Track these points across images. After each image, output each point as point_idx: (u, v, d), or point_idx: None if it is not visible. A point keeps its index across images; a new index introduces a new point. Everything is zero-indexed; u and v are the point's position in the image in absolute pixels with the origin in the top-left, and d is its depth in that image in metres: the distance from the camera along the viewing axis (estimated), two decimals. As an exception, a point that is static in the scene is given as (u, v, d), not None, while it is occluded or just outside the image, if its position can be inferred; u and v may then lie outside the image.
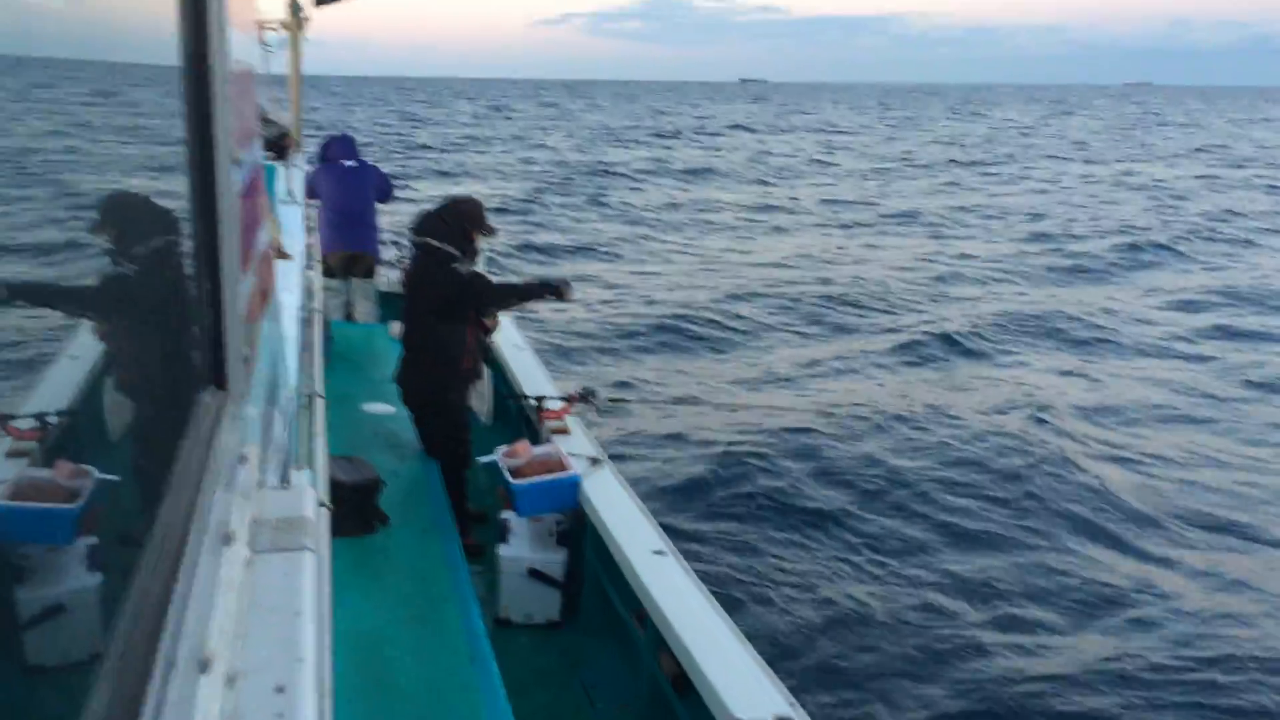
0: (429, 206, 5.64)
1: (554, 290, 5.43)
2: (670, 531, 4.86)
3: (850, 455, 8.27)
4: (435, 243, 5.35)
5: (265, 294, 2.40)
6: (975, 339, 11.87)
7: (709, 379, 10.73)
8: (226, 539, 1.38)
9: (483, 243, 5.52)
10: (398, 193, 9.90)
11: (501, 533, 5.04)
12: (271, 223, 4.18)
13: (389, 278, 8.82)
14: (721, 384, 10.55)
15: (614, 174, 25.99)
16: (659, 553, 4.19)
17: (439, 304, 5.31)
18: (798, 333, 12.54)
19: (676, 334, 12.39)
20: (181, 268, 1.54)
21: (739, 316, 13.23)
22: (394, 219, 17.96)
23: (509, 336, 7.29)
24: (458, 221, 5.40)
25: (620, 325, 12.80)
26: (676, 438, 8.94)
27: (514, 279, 5.58)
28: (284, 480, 2.33)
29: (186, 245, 1.53)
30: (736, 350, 11.76)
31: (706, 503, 7.67)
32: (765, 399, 9.95)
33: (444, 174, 24.82)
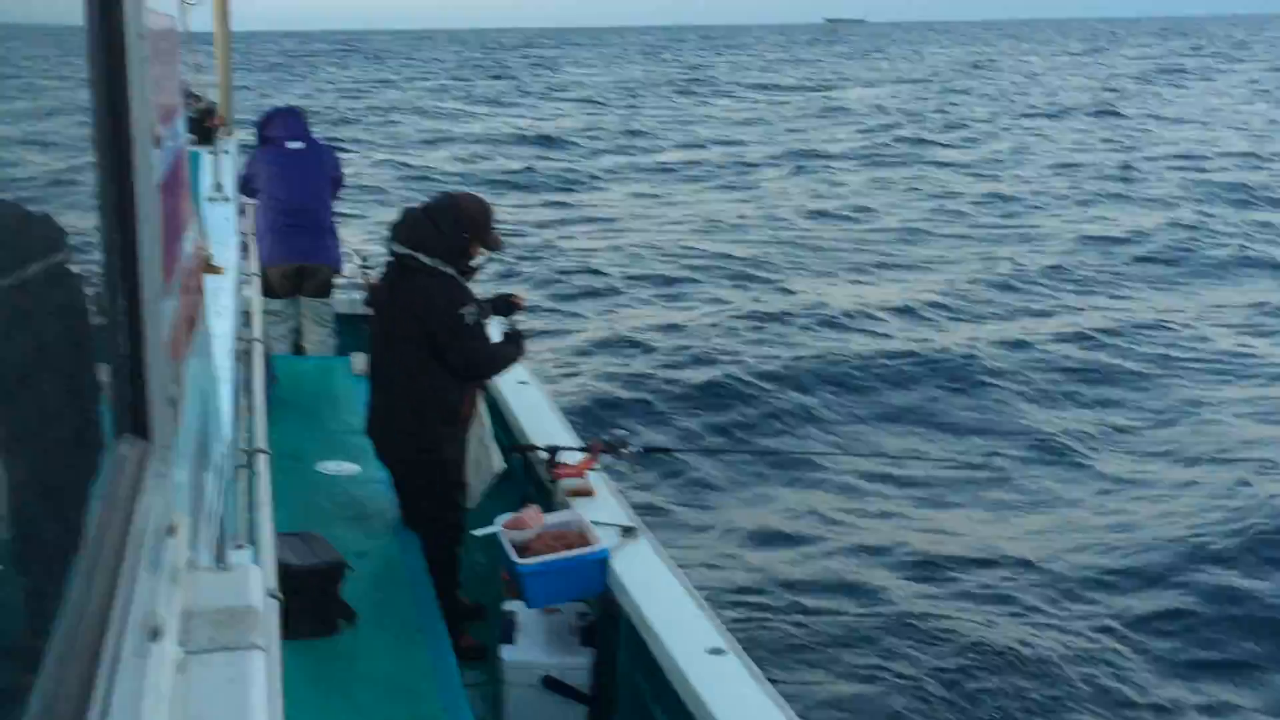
0: (414, 204, 5.67)
1: (520, 344, 5.73)
2: (733, 623, 4.83)
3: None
4: (422, 258, 5.37)
5: (193, 319, 2.43)
6: None
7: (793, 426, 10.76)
8: (153, 634, 1.39)
9: (483, 257, 5.56)
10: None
11: (506, 630, 5.05)
12: (198, 227, 4.24)
13: (350, 297, 8.90)
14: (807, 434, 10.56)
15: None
16: (717, 651, 4.19)
17: (422, 338, 5.36)
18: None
19: (736, 363, 12.41)
20: (85, 283, 1.56)
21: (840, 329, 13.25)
22: (363, 220, 18.27)
23: None
24: (454, 227, 5.39)
25: (662, 349, 12.86)
26: (740, 498, 8.99)
27: (491, 328, 5.65)
28: (220, 560, 2.34)
29: (93, 253, 1.55)
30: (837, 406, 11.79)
31: (780, 582, 7.70)
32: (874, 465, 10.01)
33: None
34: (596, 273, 16.29)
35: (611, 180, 22.45)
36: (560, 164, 23.60)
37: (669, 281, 15.67)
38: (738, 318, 14.08)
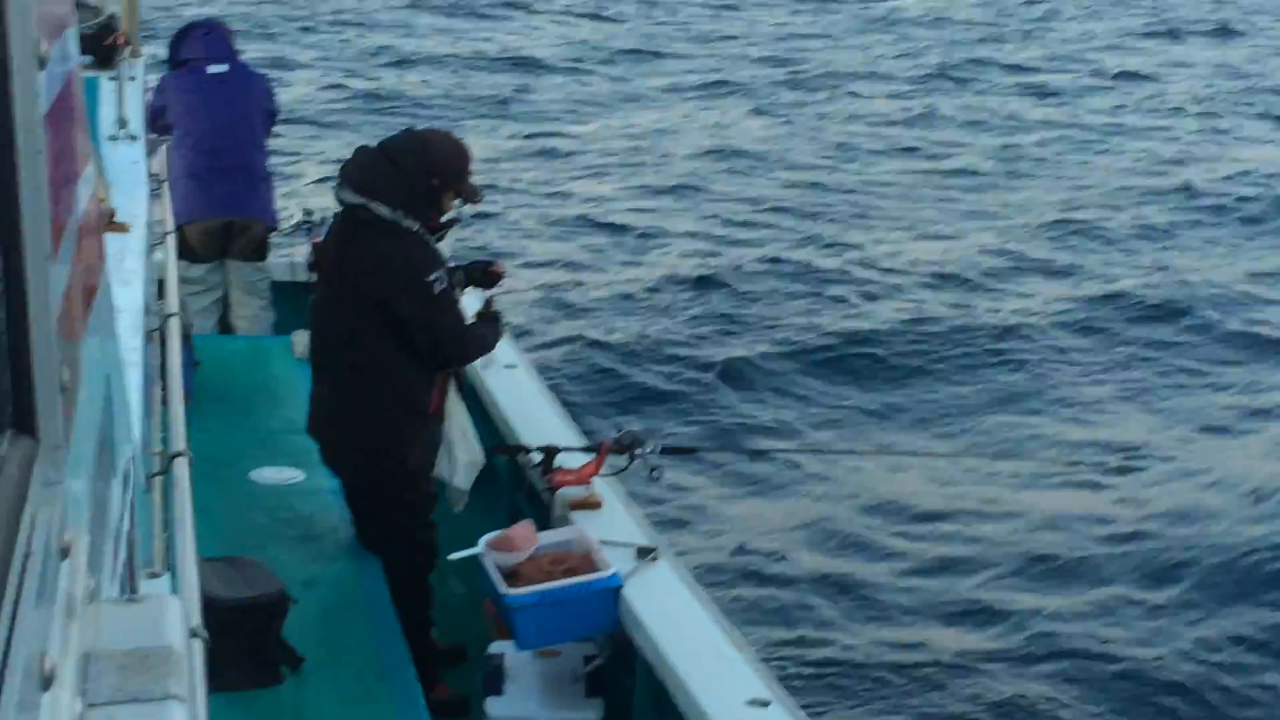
0: (369, 143, 5.67)
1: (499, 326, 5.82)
2: (778, 666, 4.84)
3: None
4: (379, 208, 5.31)
5: (90, 290, 2.43)
6: None
7: (860, 412, 10.83)
8: (44, 682, 1.38)
9: (456, 210, 5.56)
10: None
11: (492, 678, 5.07)
12: (96, 173, 4.24)
13: (289, 260, 8.92)
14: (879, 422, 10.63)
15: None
16: (760, 703, 4.20)
17: (376, 309, 5.36)
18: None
19: (773, 339, 12.44)
20: None
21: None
22: (304, 163, 18.33)
23: None
24: (419, 170, 5.36)
25: (683, 320, 12.86)
26: (785, 510, 9.01)
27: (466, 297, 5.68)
28: (129, 589, 2.35)
29: None
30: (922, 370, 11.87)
31: (837, 613, 7.74)
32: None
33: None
34: (600, 225, 16.29)
35: (618, 108, 22.45)
36: (556, 88, 23.59)
37: (689, 235, 15.68)
38: (774, 278, 14.09)
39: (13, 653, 1.26)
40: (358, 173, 5.43)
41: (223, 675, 4.57)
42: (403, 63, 25.03)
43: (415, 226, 5.36)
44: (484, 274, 5.91)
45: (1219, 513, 9.18)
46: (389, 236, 5.33)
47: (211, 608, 4.56)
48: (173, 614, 1.72)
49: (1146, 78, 24.16)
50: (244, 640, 4.71)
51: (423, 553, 5.56)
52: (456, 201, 5.51)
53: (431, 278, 5.31)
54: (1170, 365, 11.97)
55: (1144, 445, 10.27)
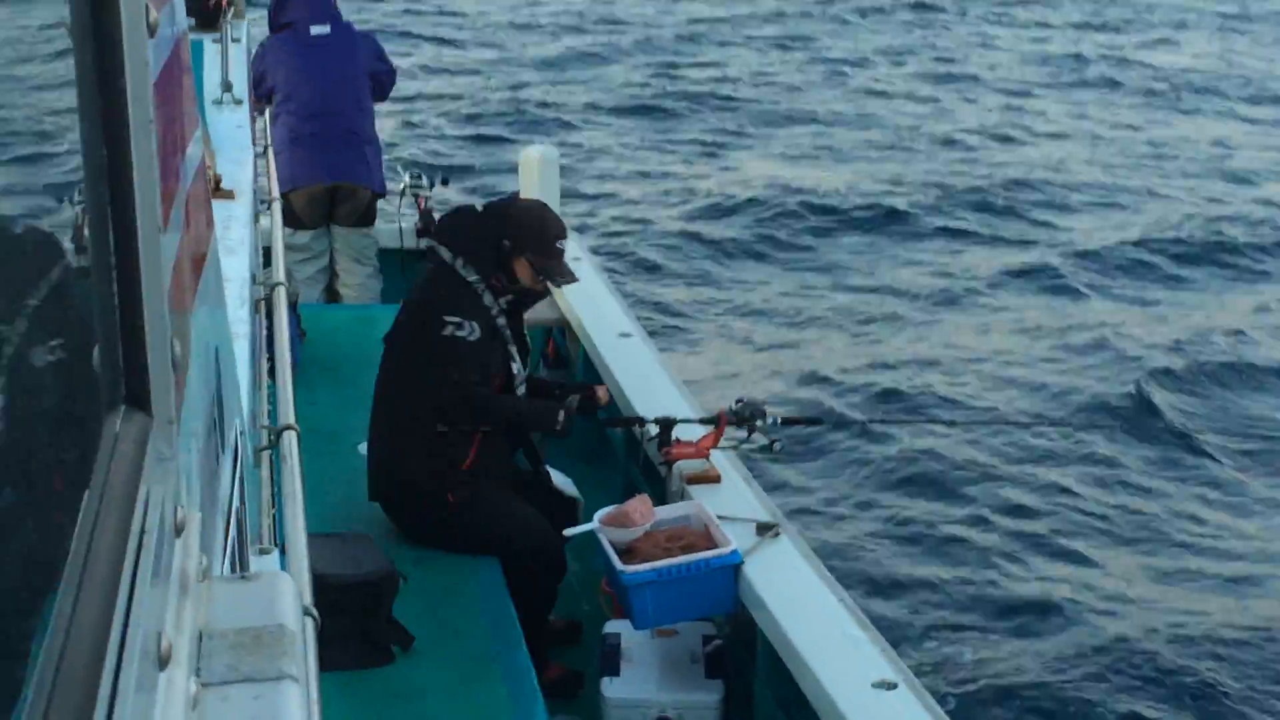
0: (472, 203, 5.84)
1: (554, 417, 5.54)
2: (905, 648, 4.81)
3: None
4: (442, 250, 5.54)
5: (199, 259, 2.46)
6: None
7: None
8: (160, 662, 1.40)
9: (529, 277, 5.56)
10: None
11: (608, 658, 5.10)
12: (204, 140, 4.30)
13: (398, 227, 8.97)
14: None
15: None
16: (887, 686, 4.19)
17: (409, 347, 5.55)
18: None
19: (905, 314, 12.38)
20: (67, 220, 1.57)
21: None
22: (418, 132, 18.40)
23: (602, 307, 7.34)
24: (495, 225, 5.55)
25: (811, 294, 12.82)
26: (915, 485, 8.97)
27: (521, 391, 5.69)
28: (239, 567, 2.38)
29: (65, 175, 1.55)
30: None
31: (969, 594, 7.70)
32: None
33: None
34: (730, 193, 16.24)
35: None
36: (709, 73, 23.21)
37: (815, 232, 15.61)
38: (905, 241, 14.01)
39: (130, 631, 1.27)
40: (447, 221, 5.77)
41: (332, 656, 4.65)
42: (534, 25, 24.99)
43: (472, 277, 5.46)
44: (584, 400, 5.76)
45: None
46: (440, 278, 5.55)
47: (321, 586, 4.64)
48: (286, 592, 1.73)
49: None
50: (354, 620, 4.77)
51: (535, 557, 5.52)
52: (539, 276, 5.56)
53: (451, 319, 5.35)
54: None
55: None
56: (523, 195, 8.73)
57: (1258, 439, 9.85)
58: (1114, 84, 21.04)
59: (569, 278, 5.65)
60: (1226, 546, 8.41)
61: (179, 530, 1.65)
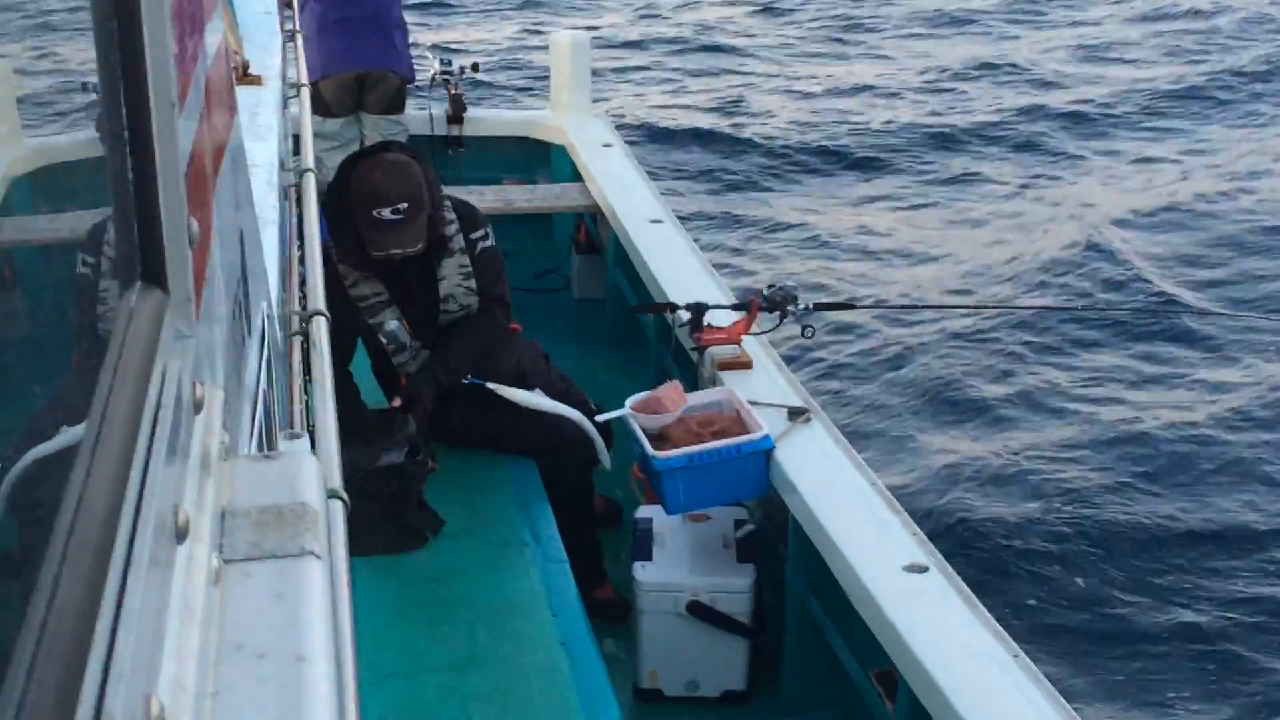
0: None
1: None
2: (937, 533, 4.81)
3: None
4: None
5: (220, 143, 2.45)
6: None
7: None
8: (178, 535, 1.41)
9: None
10: None
11: (641, 543, 5.11)
12: (226, 20, 4.26)
13: (428, 113, 8.93)
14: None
15: None
16: (917, 569, 4.19)
17: None
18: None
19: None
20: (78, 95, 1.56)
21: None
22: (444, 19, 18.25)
23: (633, 193, 7.30)
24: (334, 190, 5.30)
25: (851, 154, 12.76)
26: (951, 370, 8.96)
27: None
28: (266, 448, 2.38)
29: (77, 53, 1.54)
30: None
31: (1002, 479, 7.71)
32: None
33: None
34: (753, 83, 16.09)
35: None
36: None
37: (853, 132, 15.41)
38: (931, 142, 13.89)
39: (145, 504, 1.27)
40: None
41: (364, 541, 4.70)
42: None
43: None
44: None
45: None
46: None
47: (350, 471, 4.67)
48: (309, 471, 1.74)
49: None
50: (383, 504, 4.81)
51: (565, 448, 5.46)
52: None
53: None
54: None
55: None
56: (553, 80, 8.71)
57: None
58: None
59: (380, 249, 5.19)
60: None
61: (198, 407, 1.65)
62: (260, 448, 2.31)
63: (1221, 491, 7.66)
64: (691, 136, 13.96)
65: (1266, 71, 15.93)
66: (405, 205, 5.09)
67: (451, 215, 5.38)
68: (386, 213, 5.09)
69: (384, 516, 4.82)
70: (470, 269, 5.39)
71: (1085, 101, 14.79)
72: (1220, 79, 15.68)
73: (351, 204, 5.16)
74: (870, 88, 15.50)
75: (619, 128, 8.90)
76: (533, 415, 5.39)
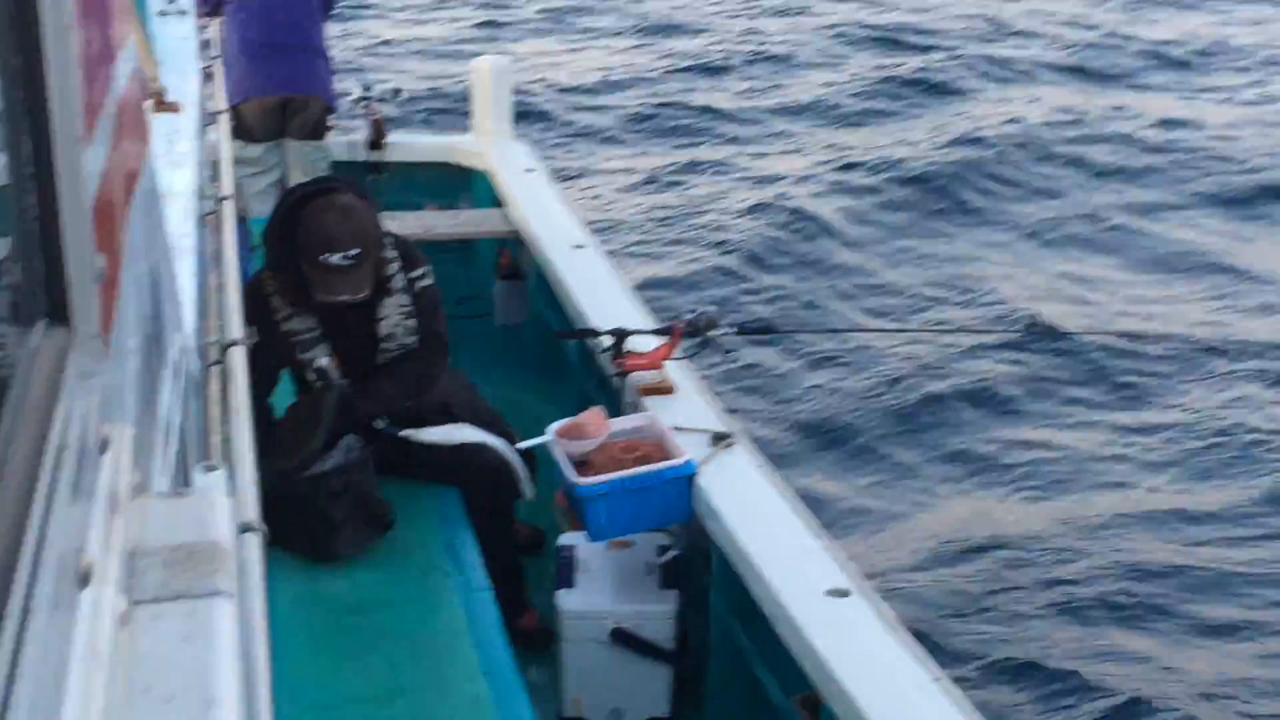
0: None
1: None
2: (860, 556, 4.81)
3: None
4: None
5: (132, 173, 2.41)
6: None
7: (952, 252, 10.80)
8: (82, 578, 1.39)
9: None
10: None
11: (564, 570, 5.09)
12: (142, 47, 4.21)
13: (349, 140, 8.89)
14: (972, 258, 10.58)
15: None
16: (839, 593, 4.19)
17: None
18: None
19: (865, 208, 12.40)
20: None
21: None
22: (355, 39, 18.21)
23: (555, 219, 7.29)
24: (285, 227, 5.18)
25: (768, 190, 12.82)
26: (873, 393, 9.00)
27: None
28: (181, 483, 2.35)
29: None
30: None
31: (923, 503, 7.74)
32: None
33: None
34: (668, 105, 16.14)
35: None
36: None
37: (778, 136, 15.51)
38: (853, 164, 13.98)
39: (46, 549, 1.25)
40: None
41: (336, 542, 4.83)
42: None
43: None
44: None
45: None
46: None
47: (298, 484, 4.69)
48: (222, 507, 1.72)
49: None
50: (344, 504, 4.87)
51: (488, 476, 5.43)
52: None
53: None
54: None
55: None
56: (475, 106, 8.68)
57: None
58: None
59: (328, 294, 5.07)
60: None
61: (105, 446, 1.62)
62: (174, 480, 2.28)
63: (1141, 520, 7.75)
64: (616, 160, 13.98)
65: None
66: (356, 251, 4.99)
67: (393, 254, 5.30)
68: (336, 258, 4.98)
69: (346, 516, 4.86)
70: (411, 308, 5.33)
71: (1014, 121, 14.91)
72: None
73: (298, 244, 5.06)
74: (794, 110, 15.56)
75: (549, 143, 8.91)
76: (455, 445, 5.35)
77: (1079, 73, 16.83)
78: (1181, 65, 17.35)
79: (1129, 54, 17.41)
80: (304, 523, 4.79)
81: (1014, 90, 15.90)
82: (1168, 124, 14.79)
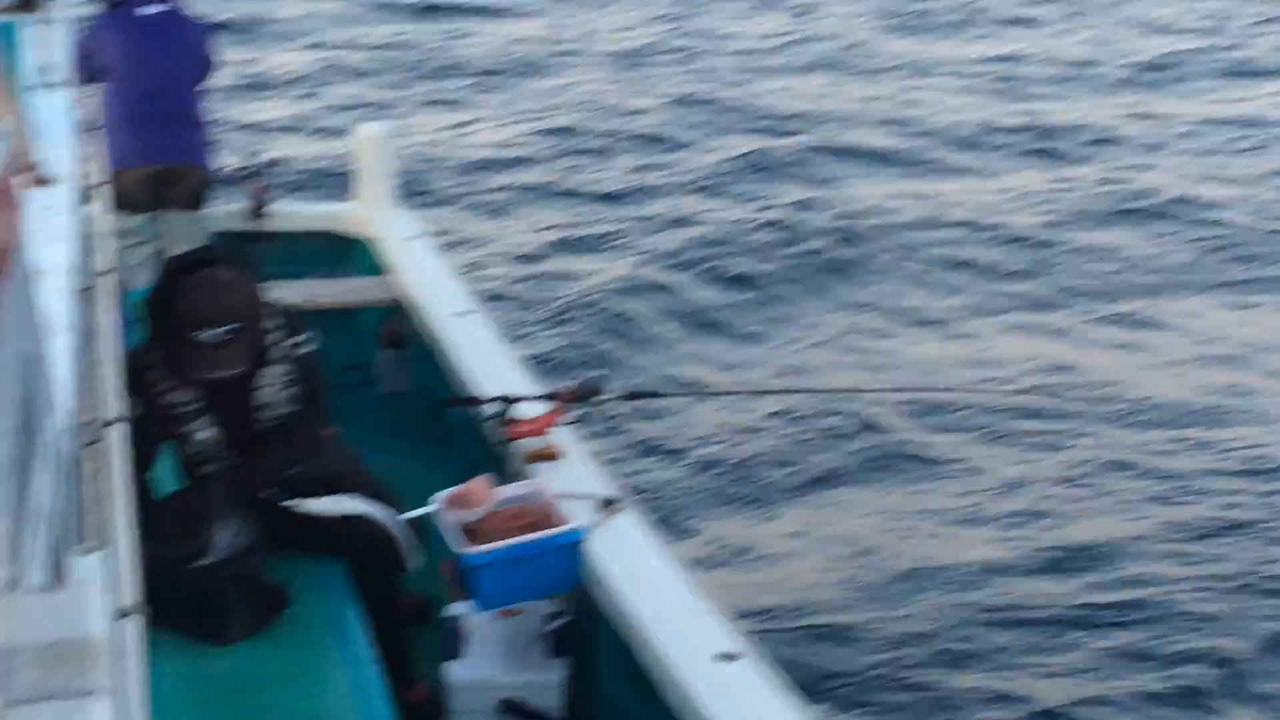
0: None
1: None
2: (749, 621, 4.82)
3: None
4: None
5: (3, 253, 2.37)
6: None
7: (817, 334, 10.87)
8: None
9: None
10: None
11: (452, 641, 5.06)
12: (15, 121, 4.15)
13: (229, 209, 8.82)
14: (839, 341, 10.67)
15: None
16: (727, 657, 4.20)
17: None
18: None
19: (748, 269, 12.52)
20: None
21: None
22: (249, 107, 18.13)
23: (438, 286, 7.27)
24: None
25: (653, 253, 12.90)
26: (762, 457, 9.04)
27: None
28: (55, 575, 2.30)
29: None
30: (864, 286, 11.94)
31: (812, 567, 7.77)
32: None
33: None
34: (559, 179, 16.19)
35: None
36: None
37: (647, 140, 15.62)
38: (737, 221, 14.10)
39: None
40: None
41: (233, 626, 4.78)
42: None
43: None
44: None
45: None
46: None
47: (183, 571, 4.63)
48: (95, 599, 1.68)
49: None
50: (238, 587, 4.83)
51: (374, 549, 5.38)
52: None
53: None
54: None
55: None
56: (359, 176, 8.65)
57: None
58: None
59: (201, 371, 5.00)
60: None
61: None
62: (49, 569, 2.23)
63: (1019, 568, 7.85)
64: (501, 230, 13.98)
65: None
66: (230, 327, 4.92)
67: (274, 323, 5.24)
68: (208, 335, 4.91)
69: (238, 602, 4.81)
70: (291, 377, 5.27)
71: (864, 203, 15.10)
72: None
73: (172, 319, 4.99)
74: (671, 187, 15.67)
75: (433, 212, 8.89)
76: (338, 517, 5.29)
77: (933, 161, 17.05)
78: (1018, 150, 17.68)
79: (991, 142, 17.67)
80: (193, 611, 4.74)
81: (876, 171, 16.10)
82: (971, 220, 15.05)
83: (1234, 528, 8.31)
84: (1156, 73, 20.38)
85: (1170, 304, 12.00)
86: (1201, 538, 8.21)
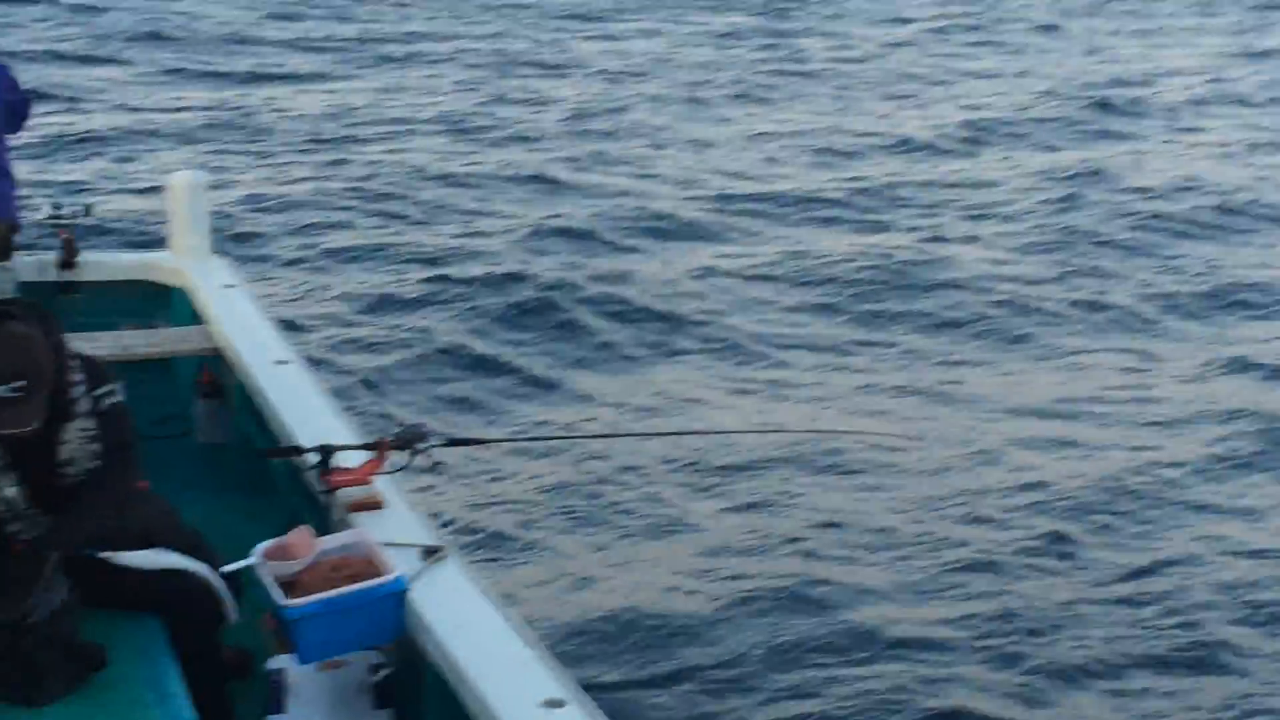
0: None
1: None
2: (575, 666, 4.81)
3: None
4: None
5: None
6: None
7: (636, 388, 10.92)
8: None
9: None
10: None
11: (274, 695, 4.98)
12: None
13: (38, 260, 8.62)
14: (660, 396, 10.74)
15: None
16: (555, 704, 4.19)
17: None
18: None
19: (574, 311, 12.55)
20: None
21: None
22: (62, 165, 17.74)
23: (257, 335, 7.17)
24: None
25: (470, 295, 12.91)
26: (585, 501, 9.06)
27: None
28: None
29: None
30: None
31: (638, 610, 7.80)
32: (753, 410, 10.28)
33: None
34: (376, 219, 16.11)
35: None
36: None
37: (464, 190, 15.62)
38: (558, 267, 14.19)
39: None
40: None
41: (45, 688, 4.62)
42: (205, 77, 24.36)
43: None
44: None
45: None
46: None
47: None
48: None
49: None
50: (60, 647, 4.70)
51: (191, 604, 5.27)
52: None
53: None
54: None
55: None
56: (172, 224, 8.50)
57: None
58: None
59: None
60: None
61: None
62: None
63: (836, 601, 7.97)
64: (319, 280, 13.88)
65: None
66: (20, 384, 4.74)
67: (78, 376, 5.09)
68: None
69: (53, 663, 4.66)
70: (95, 431, 5.12)
71: (744, 259, 15.25)
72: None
73: None
74: (490, 234, 15.71)
75: (250, 258, 8.79)
76: (155, 571, 5.17)
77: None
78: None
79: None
80: (4, 672, 4.60)
81: (691, 237, 16.30)
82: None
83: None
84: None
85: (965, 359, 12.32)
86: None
